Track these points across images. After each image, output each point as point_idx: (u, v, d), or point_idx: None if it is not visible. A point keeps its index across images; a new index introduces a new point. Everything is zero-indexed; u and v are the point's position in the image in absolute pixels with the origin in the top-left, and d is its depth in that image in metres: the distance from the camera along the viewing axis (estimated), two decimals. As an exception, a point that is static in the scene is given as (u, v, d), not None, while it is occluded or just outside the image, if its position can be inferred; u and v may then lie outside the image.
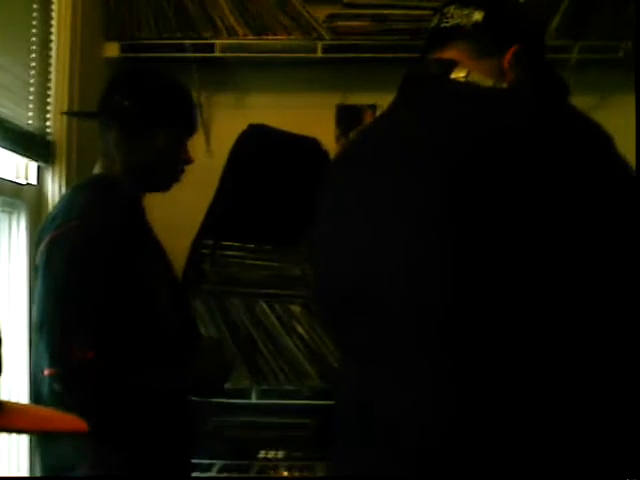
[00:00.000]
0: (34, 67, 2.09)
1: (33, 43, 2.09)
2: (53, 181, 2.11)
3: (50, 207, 2.00)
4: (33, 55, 2.09)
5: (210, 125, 2.64)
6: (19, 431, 1.12)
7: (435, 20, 1.26)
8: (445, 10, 1.25)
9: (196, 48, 2.50)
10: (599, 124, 1.08)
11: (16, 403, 1.02)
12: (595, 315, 1.00)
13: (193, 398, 1.74)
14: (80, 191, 1.70)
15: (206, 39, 2.51)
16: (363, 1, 2.50)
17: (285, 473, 2.27)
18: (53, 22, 2.16)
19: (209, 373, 1.70)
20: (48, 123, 2.14)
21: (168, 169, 1.76)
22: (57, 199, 2.01)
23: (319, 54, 2.48)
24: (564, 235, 0.99)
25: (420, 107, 1.19)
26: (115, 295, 1.51)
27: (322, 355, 2.36)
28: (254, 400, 2.39)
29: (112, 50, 2.50)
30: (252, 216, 2.46)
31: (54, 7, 2.16)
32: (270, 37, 2.51)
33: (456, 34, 1.22)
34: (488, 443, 0.99)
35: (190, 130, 1.79)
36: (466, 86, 1.16)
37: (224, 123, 2.64)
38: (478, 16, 1.21)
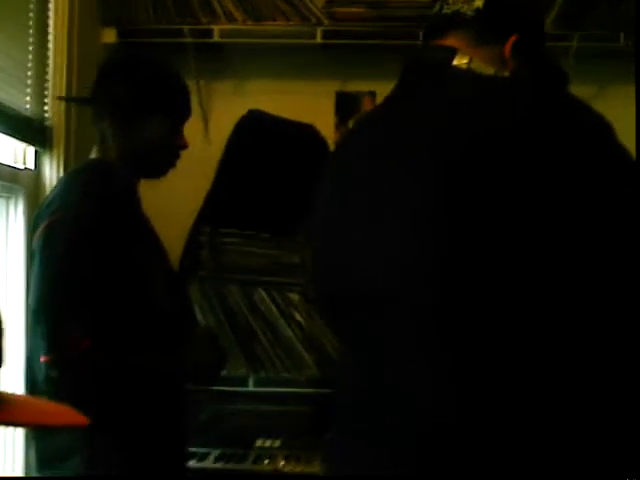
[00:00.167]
0: (32, 52, 2.08)
1: (31, 27, 2.08)
2: (51, 166, 2.11)
3: (47, 192, 1.99)
4: (31, 39, 2.08)
5: (208, 112, 2.63)
6: (19, 425, 1.12)
7: (436, 7, 1.25)
8: (446, -3, 1.24)
9: (194, 34, 2.49)
10: (600, 113, 1.07)
11: (16, 395, 1.02)
12: (595, 310, 0.99)
13: (189, 387, 1.74)
14: (76, 176, 1.69)
15: (204, 24, 2.50)
16: (363, -13, 2.49)
17: (282, 462, 2.28)
18: (50, 7, 2.16)
19: (203, 362, 1.69)
20: (46, 108, 2.13)
21: (163, 155, 1.75)
22: (55, 184, 2.01)
23: (318, 40, 2.47)
24: (563, 228, 0.99)
25: (421, 95, 1.18)
26: (111, 282, 1.50)
27: (320, 343, 2.36)
28: (251, 388, 2.40)
29: (109, 36, 2.48)
30: (250, 203, 2.45)
31: (52, -8, 2.15)
32: (269, 23, 2.50)
33: (457, 21, 1.21)
34: (487, 434, 0.99)
35: (184, 115, 1.78)
36: (468, 74, 1.16)
37: (222, 109, 2.63)
38: (479, 3, 1.20)
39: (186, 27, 2.48)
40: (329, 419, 1.21)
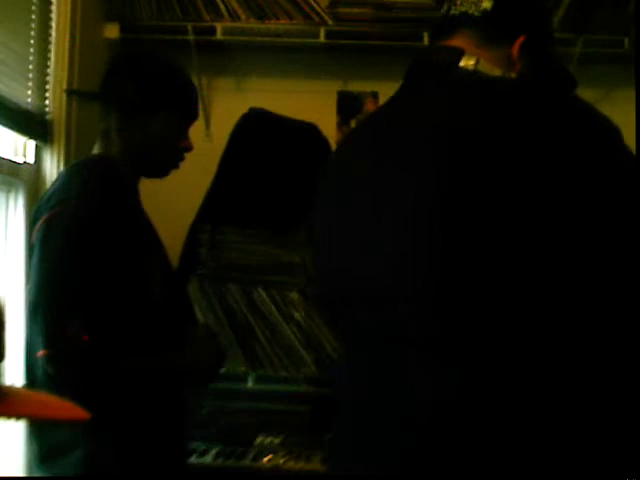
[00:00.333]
0: (33, 45, 2.07)
1: (33, 21, 2.07)
2: (51, 160, 2.10)
3: (47, 186, 1.98)
4: (33, 33, 2.07)
5: (210, 109, 2.62)
6: (19, 417, 1.11)
7: (444, 7, 1.24)
8: (454, -3, 1.24)
9: (197, 31, 2.48)
10: (606, 117, 1.07)
11: (17, 388, 1.01)
12: (593, 304, 0.99)
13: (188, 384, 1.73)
14: (76, 171, 1.68)
15: (207, 22, 2.49)
16: (367, -13, 2.49)
17: (281, 460, 2.27)
18: (53, 1, 2.15)
19: (201, 361, 1.68)
20: (47, 102, 2.12)
21: (166, 155, 1.74)
22: (54, 178, 2.00)
23: (322, 39, 2.46)
24: (562, 229, 0.98)
25: (425, 96, 1.17)
26: (109, 278, 1.50)
27: (319, 342, 2.35)
28: (250, 386, 2.39)
29: (112, 31, 2.47)
30: (250, 201, 2.44)
31: (55, -15, 2.14)
32: (272, 21, 2.49)
33: (464, 22, 1.21)
34: (486, 425, 0.99)
35: (191, 117, 1.77)
36: (474, 75, 1.15)
37: (224, 107, 2.62)
38: (487, 4, 1.20)
39: (189, 24, 2.47)
40: (328, 418, 1.21)
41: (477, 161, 1.01)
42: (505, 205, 0.99)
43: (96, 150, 1.73)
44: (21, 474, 1.98)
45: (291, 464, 2.27)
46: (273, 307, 2.38)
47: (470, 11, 1.21)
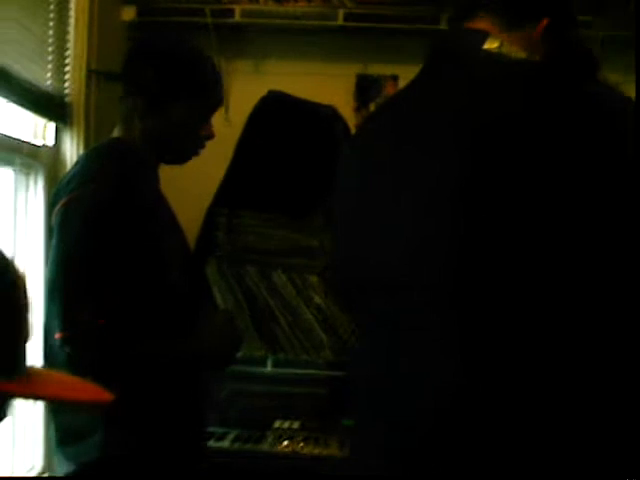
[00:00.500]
0: (52, 27, 2.07)
1: (51, 3, 2.06)
2: (70, 143, 2.10)
3: (67, 169, 1.99)
4: (51, 15, 2.06)
5: (228, 92, 2.61)
6: (44, 398, 1.12)
7: (466, -11, 1.23)
8: (476, -21, 1.22)
9: (215, 13, 2.47)
10: (631, 99, 1.06)
11: (41, 369, 1.02)
12: (615, 300, 0.98)
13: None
14: (96, 154, 1.68)
15: (226, 4, 2.48)
16: (387, -31, 2.47)
17: (299, 445, 2.27)
18: (72, -18, 2.15)
19: (218, 345, 1.68)
20: (66, 84, 2.12)
21: (186, 142, 1.72)
22: (74, 161, 2.00)
23: (340, 22, 2.45)
24: (581, 215, 0.97)
25: (448, 79, 1.16)
26: (127, 262, 1.50)
27: (339, 326, 2.35)
28: (269, 369, 2.40)
29: (129, 13, 2.47)
30: (268, 185, 2.44)
31: (73, -33, 2.14)
32: (291, 4, 2.48)
33: (487, 4, 1.19)
34: (504, 412, 0.99)
35: (213, 105, 1.74)
36: (498, 58, 1.14)
37: (242, 90, 2.61)
38: (510, -14, 1.18)
39: (207, 7, 2.46)
40: (346, 402, 1.21)
41: (500, 146, 1.00)
42: (528, 193, 0.98)
43: (116, 133, 1.72)
44: (42, 455, 2.01)
45: (309, 449, 2.26)
46: (293, 290, 2.37)
47: (493, -7, 1.19)
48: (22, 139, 1.94)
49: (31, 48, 1.96)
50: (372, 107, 2.56)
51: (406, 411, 1.06)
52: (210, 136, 1.74)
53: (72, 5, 2.14)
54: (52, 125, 2.07)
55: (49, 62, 2.06)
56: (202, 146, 1.75)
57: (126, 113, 1.69)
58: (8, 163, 1.88)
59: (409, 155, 1.10)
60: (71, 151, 2.09)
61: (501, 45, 1.14)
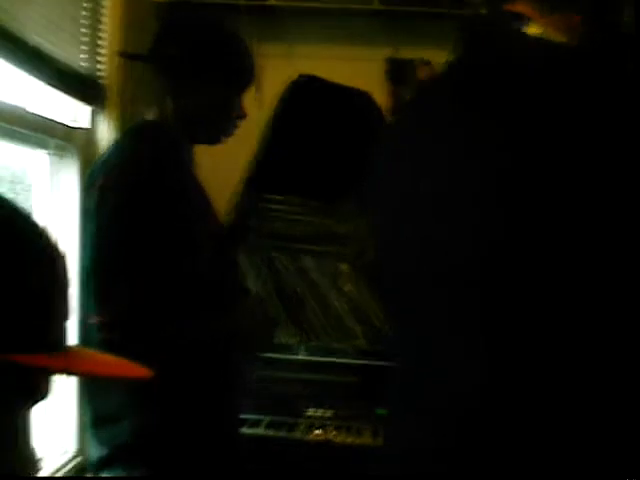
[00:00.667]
0: (86, 8, 2.06)
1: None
2: (105, 125, 2.10)
3: (101, 151, 2.00)
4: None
5: (259, 74, 2.60)
6: (83, 374, 1.13)
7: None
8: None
9: (248, -5, 2.46)
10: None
11: (81, 347, 1.03)
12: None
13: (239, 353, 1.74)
14: (130, 137, 1.68)
15: (259, -14, 2.47)
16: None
17: (332, 433, 2.26)
18: (105, -38, 2.14)
19: (252, 327, 1.68)
20: (100, 66, 2.11)
21: (219, 122, 1.71)
22: (108, 143, 2.01)
23: (375, 5, 2.42)
24: (627, 221, 0.95)
25: (490, 64, 1.14)
26: (161, 245, 1.50)
27: (371, 314, 2.34)
28: (301, 356, 2.39)
29: (160, -6, 2.46)
30: (299, 170, 2.43)
31: (106, -52, 2.13)
32: (325, -14, 2.46)
33: None
34: (532, 411, 0.98)
35: (244, 84, 1.74)
36: (539, 43, 1.12)
37: (273, 73, 2.59)
38: (551, -31, 1.16)
39: (240, -12, 2.45)
40: (379, 390, 1.20)
41: (546, 136, 0.98)
42: (571, 187, 0.96)
43: (150, 115, 1.72)
44: (75, 439, 2.04)
45: (342, 438, 2.25)
46: (323, 277, 2.37)
47: (533, -24, 1.17)
48: (57, 121, 1.93)
49: (65, 29, 1.95)
50: (404, 92, 2.54)
51: (436, 407, 1.06)
52: (242, 116, 1.74)
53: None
54: (86, 107, 2.07)
55: (83, 43, 2.05)
56: (235, 126, 1.75)
57: (158, 95, 1.68)
58: (43, 146, 1.88)
59: (454, 145, 1.08)
60: (105, 133, 2.09)
61: (544, 29, 1.12)
